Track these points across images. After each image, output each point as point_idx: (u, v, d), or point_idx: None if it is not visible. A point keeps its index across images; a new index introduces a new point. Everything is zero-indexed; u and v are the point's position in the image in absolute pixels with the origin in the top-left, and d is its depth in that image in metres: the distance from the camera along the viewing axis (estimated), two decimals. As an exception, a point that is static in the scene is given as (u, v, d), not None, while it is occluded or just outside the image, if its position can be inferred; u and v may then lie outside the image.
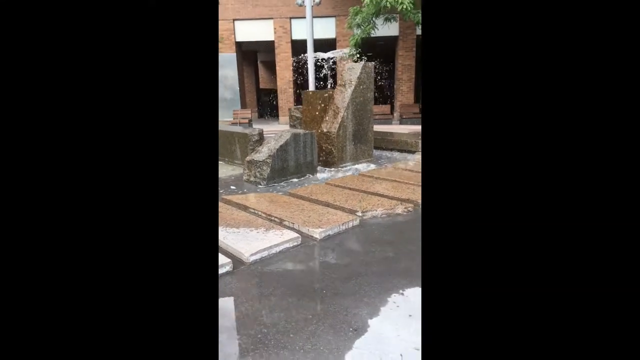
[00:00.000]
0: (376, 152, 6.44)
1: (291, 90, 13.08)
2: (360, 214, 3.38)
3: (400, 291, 2.15)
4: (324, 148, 5.34)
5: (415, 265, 2.49)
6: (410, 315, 1.93)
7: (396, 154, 6.35)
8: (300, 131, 4.88)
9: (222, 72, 13.20)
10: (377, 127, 6.76)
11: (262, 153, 4.60)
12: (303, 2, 11.19)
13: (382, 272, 2.40)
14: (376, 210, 3.43)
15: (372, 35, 10.23)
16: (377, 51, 14.79)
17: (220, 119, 12.22)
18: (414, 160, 5.59)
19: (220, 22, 12.79)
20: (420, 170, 4.83)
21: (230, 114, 12.51)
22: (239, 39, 12.99)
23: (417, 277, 2.32)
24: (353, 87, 5.27)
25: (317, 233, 2.92)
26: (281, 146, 4.60)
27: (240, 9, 12.76)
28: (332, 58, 7.62)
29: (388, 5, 8.69)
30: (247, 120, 11.74)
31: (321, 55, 8.13)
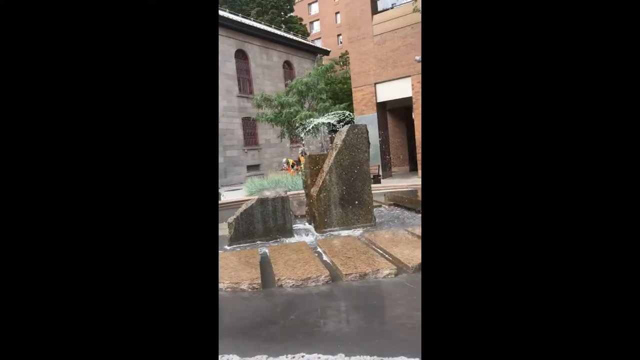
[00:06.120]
0: (395, 213, 5.74)
1: (429, 144, 12.53)
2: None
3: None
4: (312, 212, 5.27)
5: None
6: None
7: (415, 216, 5.43)
8: (270, 195, 5.08)
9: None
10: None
11: (233, 215, 5.06)
12: (420, 58, 10.96)
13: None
14: (223, 283, 3.36)
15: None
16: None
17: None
18: (413, 225, 4.72)
19: (363, 87, 13.87)
20: (374, 240, 4.15)
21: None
22: (380, 99, 13.64)
23: None
24: (337, 150, 5.10)
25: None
26: (245, 210, 4.95)
27: (381, 73, 13.51)
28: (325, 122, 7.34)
29: None
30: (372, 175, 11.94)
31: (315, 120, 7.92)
